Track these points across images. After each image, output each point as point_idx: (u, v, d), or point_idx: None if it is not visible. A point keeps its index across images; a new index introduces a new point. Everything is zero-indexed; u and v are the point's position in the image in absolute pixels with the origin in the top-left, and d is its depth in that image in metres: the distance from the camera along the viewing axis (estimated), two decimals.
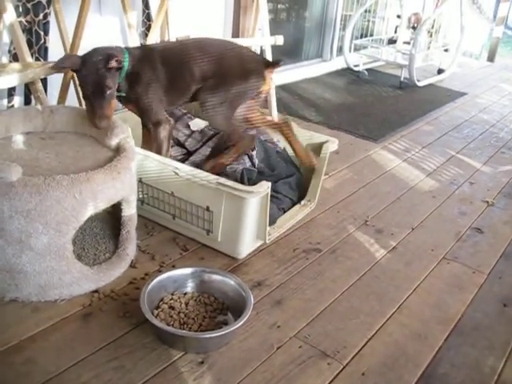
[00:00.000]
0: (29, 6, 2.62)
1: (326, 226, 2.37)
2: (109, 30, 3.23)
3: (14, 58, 2.60)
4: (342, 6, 5.17)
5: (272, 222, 2.18)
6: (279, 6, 4.84)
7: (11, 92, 2.76)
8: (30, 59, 2.43)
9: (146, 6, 3.26)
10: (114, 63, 2.01)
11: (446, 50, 5.73)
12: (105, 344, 1.59)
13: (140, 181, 2.14)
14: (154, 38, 3.14)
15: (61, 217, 1.63)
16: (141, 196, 2.19)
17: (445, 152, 3.39)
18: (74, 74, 2.81)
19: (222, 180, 1.94)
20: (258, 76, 2.26)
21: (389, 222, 2.45)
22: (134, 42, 3.20)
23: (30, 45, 2.62)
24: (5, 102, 2.78)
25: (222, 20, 3.86)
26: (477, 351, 1.72)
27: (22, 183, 1.58)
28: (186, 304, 1.75)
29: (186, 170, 2.03)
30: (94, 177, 1.68)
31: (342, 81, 4.90)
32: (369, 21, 5.72)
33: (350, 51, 5.15)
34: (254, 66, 2.28)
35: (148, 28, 3.27)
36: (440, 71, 5.37)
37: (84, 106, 2.06)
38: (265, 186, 1.92)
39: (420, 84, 4.88)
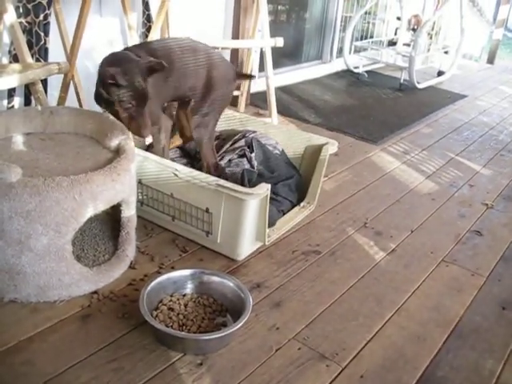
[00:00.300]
0: (29, 6, 2.62)
1: (326, 227, 2.37)
2: (109, 31, 3.23)
3: (15, 58, 2.60)
4: (342, 8, 5.17)
5: (271, 223, 2.18)
6: (279, 7, 4.84)
7: (11, 93, 2.76)
8: (30, 60, 2.44)
9: (146, 7, 3.26)
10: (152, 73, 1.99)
11: (445, 52, 5.74)
12: (104, 345, 1.59)
13: (140, 182, 2.14)
14: (154, 39, 3.14)
15: (60, 218, 1.63)
16: (140, 197, 2.19)
17: (444, 154, 3.39)
18: (74, 75, 2.82)
19: (222, 182, 1.94)
20: (233, 86, 2.38)
21: (388, 225, 2.45)
22: (135, 43, 3.21)
23: (30, 45, 2.62)
24: (5, 102, 2.78)
25: (222, 21, 3.86)
26: (476, 354, 1.72)
27: (22, 184, 1.58)
28: (185, 305, 1.75)
29: (185, 171, 2.03)
30: (94, 178, 1.68)
31: (342, 83, 4.90)
32: (369, 23, 5.72)
33: (349, 53, 5.16)
34: (233, 76, 2.35)
35: (148, 29, 3.27)
36: (440, 73, 5.37)
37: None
38: (264, 188, 1.92)
39: (420, 86, 4.88)
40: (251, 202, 1.93)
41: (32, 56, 2.59)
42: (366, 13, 5.40)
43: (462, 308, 1.93)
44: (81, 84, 2.91)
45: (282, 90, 4.33)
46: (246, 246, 2.07)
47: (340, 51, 5.30)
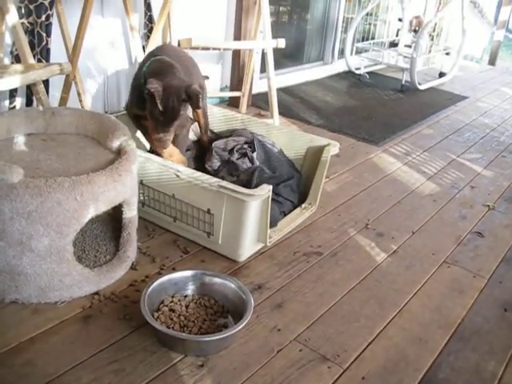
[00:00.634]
0: (31, 7, 2.62)
1: (327, 229, 2.37)
2: (111, 32, 3.23)
3: (16, 59, 2.60)
4: (343, 9, 5.18)
5: (273, 224, 2.18)
6: (281, 8, 4.84)
7: (13, 93, 2.76)
8: (32, 61, 2.44)
9: (148, 8, 3.26)
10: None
11: (447, 54, 5.75)
12: (105, 346, 1.59)
13: (141, 183, 2.14)
14: (156, 40, 3.15)
15: (62, 219, 1.63)
16: (142, 198, 2.19)
17: (446, 156, 3.39)
18: (76, 76, 2.83)
19: (224, 183, 1.94)
20: None
21: (389, 226, 2.45)
22: (136, 44, 3.21)
23: (32, 46, 2.62)
24: (6, 103, 2.79)
25: (224, 22, 3.86)
26: (477, 356, 1.72)
27: (24, 185, 1.58)
28: (187, 307, 1.75)
29: (187, 172, 2.03)
30: (96, 179, 1.68)
31: (344, 84, 4.90)
32: (370, 24, 5.73)
33: (351, 54, 5.16)
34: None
35: (150, 30, 3.27)
36: (441, 75, 5.37)
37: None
38: (266, 189, 1.92)
39: (421, 87, 4.88)
40: (253, 203, 1.93)
41: (34, 57, 2.59)
42: (367, 14, 5.41)
43: (464, 310, 1.93)
44: (82, 85, 2.92)
45: (284, 91, 4.33)
46: (248, 247, 2.07)
47: (341, 52, 5.30)
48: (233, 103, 3.84)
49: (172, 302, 1.75)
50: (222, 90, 3.99)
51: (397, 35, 5.73)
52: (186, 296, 1.80)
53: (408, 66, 4.80)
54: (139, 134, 2.44)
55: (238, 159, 2.38)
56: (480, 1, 5.92)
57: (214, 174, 2.28)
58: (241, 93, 3.71)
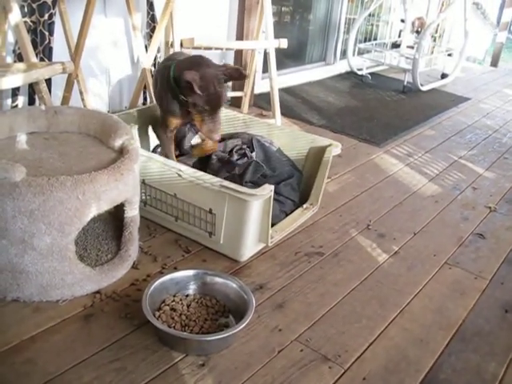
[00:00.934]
0: (34, 6, 2.63)
1: (329, 229, 2.37)
2: (113, 31, 3.23)
3: (19, 58, 2.61)
4: (345, 10, 5.18)
5: (274, 223, 2.18)
6: (283, 8, 4.84)
7: (15, 92, 2.77)
8: (34, 59, 2.44)
9: (151, 7, 3.27)
10: None
11: (449, 55, 5.74)
12: (106, 345, 1.59)
13: (143, 182, 2.14)
14: (158, 40, 3.15)
15: (64, 217, 1.63)
16: (144, 197, 2.19)
17: (447, 157, 3.39)
18: (78, 75, 2.83)
19: (226, 183, 1.94)
20: None
21: (391, 227, 2.45)
22: (139, 43, 3.21)
23: (34, 45, 2.63)
24: (9, 101, 2.79)
25: (226, 22, 3.87)
26: (478, 357, 1.71)
27: (26, 183, 1.58)
28: (188, 306, 1.75)
29: (189, 172, 2.03)
30: (98, 178, 1.68)
31: (346, 84, 4.90)
32: (373, 25, 5.73)
33: (353, 55, 5.16)
34: None
35: (152, 29, 3.27)
36: (443, 76, 5.37)
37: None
38: (268, 189, 1.91)
39: (423, 88, 4.88)
40: (254, 203, 1.93)
41: (36, 55, 2.59)
42: (369, 15, 5.41)
43: (465, 311, 1.93)
44: (85, 84, 2.92)
45: (286, 92, 4.33)
46: (249, 247, 2.07)
47: (344, 53, 5.31)
48: (235, 103, 3.84)
49: (173, 301, 1.75)
50: None
51: (399, 36, 5.73)
52: (187, 295, 1.80)
53: (410, 67, 4.80)
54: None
55: (237, 160, 2.38)
56: (483, 2, 5.91)
57: (213, 173, 2.27)
58: (243, 93, 3.71)
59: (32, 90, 2.69)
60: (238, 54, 3.76)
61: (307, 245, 2.23)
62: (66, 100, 2.84)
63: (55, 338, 1.59)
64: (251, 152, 2.41)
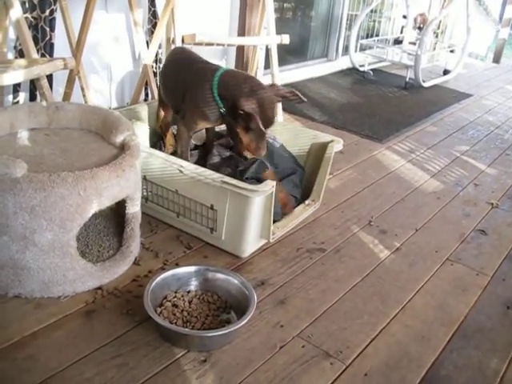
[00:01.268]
0: (35, 2, 2.62)
1: (330, 225, 2.37)
2: (115, 27, 3.23)
3: (20, 54, 2.60)
4: (347, 6, 5.17)
5: (275, 218, 2.17)
6: (285, 4, 4.83)
7: (16, 88, 2.76)
8: (35, 55, 2.44)
9: (152, 3, 3.26)
10: None
11: (451, 51, 5.73)
12: (108, 341, 1.59)
13: (144, 178, 2.14)
14: (159, 36, 3.15)
15: (65, 213, 1.63)
16: (145, 193, 2.19)
17: (449, 153, 3.38)
18: (80, 71, 2.82)
19: (227, 179, 1.93)
20: None
21: (393, 223, 2.45)
22: (140, 39, 3.21)
23: (35, 41, 2.62)
24: (10, 97, 2.79)
25: (228, 18, 3.86)
26: (480, 353, 1.71)
27: (27, 179, 1.58)
28: (190, 302, 1.74)
29: (190, 168, 2.03)
30: (99, 174, 1.67)
31: (348, 81, 4.89)
32: (375, 21, 5.72)
33: (355, 51, 5.15)
34: None
35: (154, 25, 3.27)
36: (445, 72, 5.36)
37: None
38: (269, 185, 1.91)
39: (425, 85, 4.87)
40: (256, 199, 1.93)
41: (37, 51, 2.59)
42: (372, 11, 5.40)
43: (467, 307, 1.93)
44: (86, 80, 2.92)
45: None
46: (251, 243, 2.06)
47: (346, 49, 5.30)
48: None
49: (175, 297, 1.75)
50: None
51: (401, 32, 5.71)
52: (189, 291, 1.80)
53: (412, 63, 4.79)
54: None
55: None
56: None
57: (213, 169, 2.27)
58: None
59: (33, 86, 2.68)
60: (240, 50, 3.75)
61: (309, 241, 2.23)
62: (67, 96, 2.84)
63: (57, 334, 1.59)
64: None
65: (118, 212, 2.06)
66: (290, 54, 4.86)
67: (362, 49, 5.33)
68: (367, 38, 5.54)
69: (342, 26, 5.22)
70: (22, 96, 2.83)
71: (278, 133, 2.55)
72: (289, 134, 2.56)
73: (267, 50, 3.48)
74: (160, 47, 3.33)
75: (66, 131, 2.02)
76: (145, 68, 3.18)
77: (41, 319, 1.64)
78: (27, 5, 2.64)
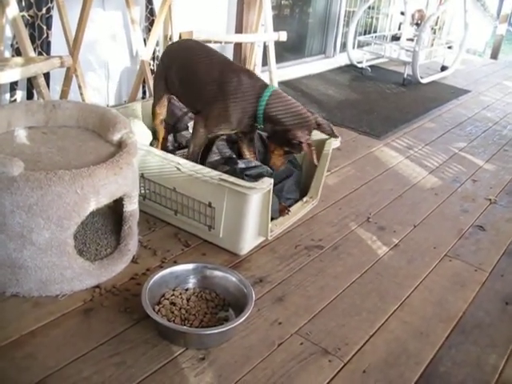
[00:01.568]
0: (32, 0, 2.62)
1: (328, 222, 2.37)
2: (112, 25, 3.22)
3: (17, 52, 2.60)
4: (345, 3, 5.16)
5: (272, 216, 2.17)
6: (283, 1, 4.83)
7: (13, 86, 2.76)
8: (32, 54, 2.44)
9: (149, 1, 3.25)
10: None
11: (449, 47, 5.73)
12: (106, 339, 1.58)
13: (142, 176, 2.14)
14: (157, 33, 3.14)
15: (62, 212, 1.63)
16: (143, 191, 2.18)
17: (447, 149, 3.38)
18: (77, 69, 2.82)
19: (225, 176, 1.93)
20: None
21: (391, 219, 2.45)
22: (137, 37, 3.20)
23: (32, 39, 2.62)
24: (7, 96, 2.79)
25: (226, 15, 3.85)
26: (478, 349, 1.71)
27: (24, 178, 1.57)
28: (188, 300, 1.74)
29: (188, 165, 2.02)
30: (96, 172, 1.67)
31: (345, 77, 4.89)
32: (372, 17, 5.71)
33: (353, 48, 5.15)
34: None
35: (151, 23, 3.26)
36: (443, 68, 5.35)
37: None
38: (267, 183, 1.91)
39: (423, 81, 4.87)
40: (254, 196, 1.93)
41: (34, 50, 2.59)
42: (369, 7, 5.39)
43: (465, 303, 1.93)
44: (83, 78, 2.91)
45: (285, 85, 4.32)
46: (249, 241, 2.06)
47: (343, 46, 5.29)
48: None
49: (173, 295, 1.75)
50: None
51: (399, 29, 5.71)
52: (187, 289, 1.80)
53: (410, 59, 4.78)
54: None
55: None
56: None
57: (212, 167, 2.26)
58: None
59: (30, 84, 2.68)
60: (238, 47, 3.75)
61: (307, 238, 2.23)
62: (64, 94, 2.84)
63: (55, 333, 1.59)
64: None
65: (115, 210, 2.06)
66: (288, 50, 4.86)
67: (360, 45, 5.32)
68: (365, 34, 5.53)
69: (339, 22, 5.21)
70: (19, 94, 2.82)
71: None
72: None
73: (265, 47, 3.47)
74: (157, 45, 3.33)
75: (63, 129, 2.01)
76: (142, 65, 3.18)
77: (39, 318, 1.64)
78: (24, 3, 2.64)
